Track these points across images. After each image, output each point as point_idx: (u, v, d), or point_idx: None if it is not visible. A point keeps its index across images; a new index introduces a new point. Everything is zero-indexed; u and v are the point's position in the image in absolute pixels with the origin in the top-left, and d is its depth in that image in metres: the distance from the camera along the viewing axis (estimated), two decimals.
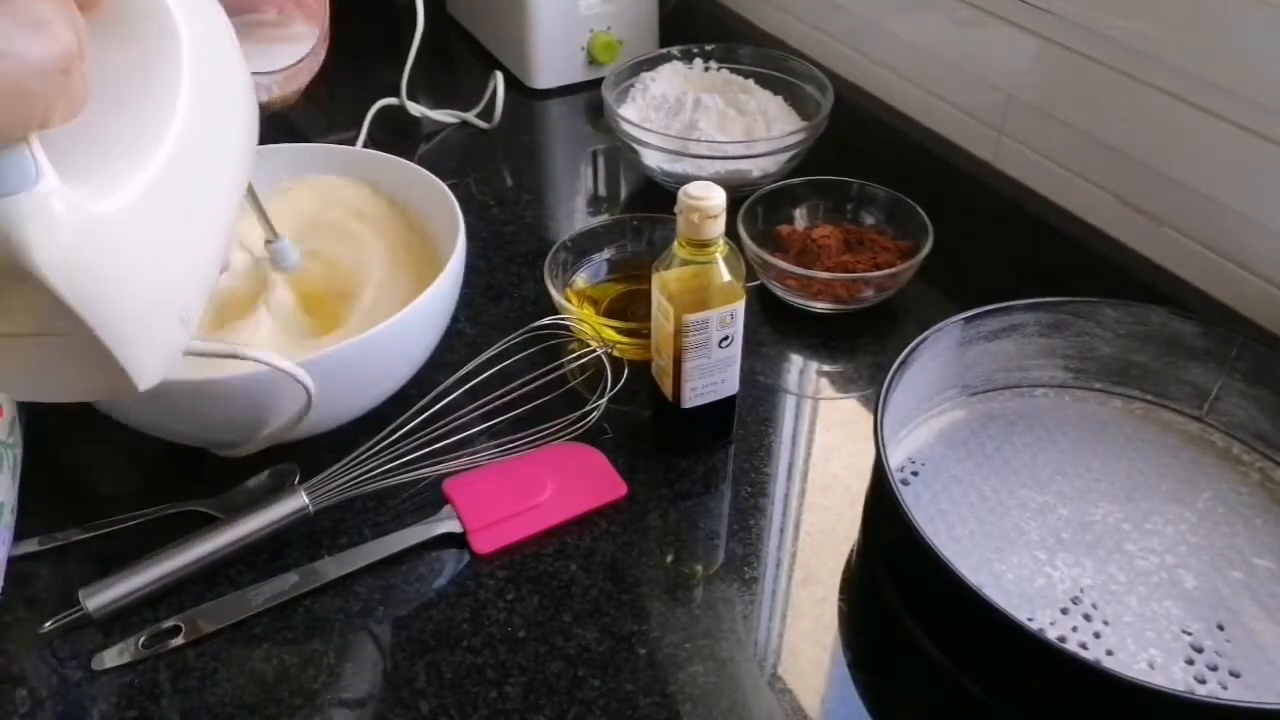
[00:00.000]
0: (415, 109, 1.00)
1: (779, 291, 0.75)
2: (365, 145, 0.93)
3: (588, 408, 0.63)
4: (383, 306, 0.64)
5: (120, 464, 0.63)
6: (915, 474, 0.58)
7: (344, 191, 0.73)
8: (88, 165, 0.38)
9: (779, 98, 0.93)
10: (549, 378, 0.65)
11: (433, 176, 0.70)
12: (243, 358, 0.52)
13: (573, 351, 0.69)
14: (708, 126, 0.87)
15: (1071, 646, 0.49)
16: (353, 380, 0.58)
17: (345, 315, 0.64)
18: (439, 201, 0.68)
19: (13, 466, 0.56)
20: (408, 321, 0.58)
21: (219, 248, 0.48)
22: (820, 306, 0.74)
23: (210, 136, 0.45)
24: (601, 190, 0.94)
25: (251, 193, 0.57)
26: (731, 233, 0.60)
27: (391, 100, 0.99)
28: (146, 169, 0.40)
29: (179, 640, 0.52)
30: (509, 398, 0.63)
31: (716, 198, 0.54)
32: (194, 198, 0.44)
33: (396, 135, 0.99)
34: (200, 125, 0.43)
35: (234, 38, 0.49)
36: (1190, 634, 0.50)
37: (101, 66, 0.38)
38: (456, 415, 0.61)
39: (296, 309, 0.64)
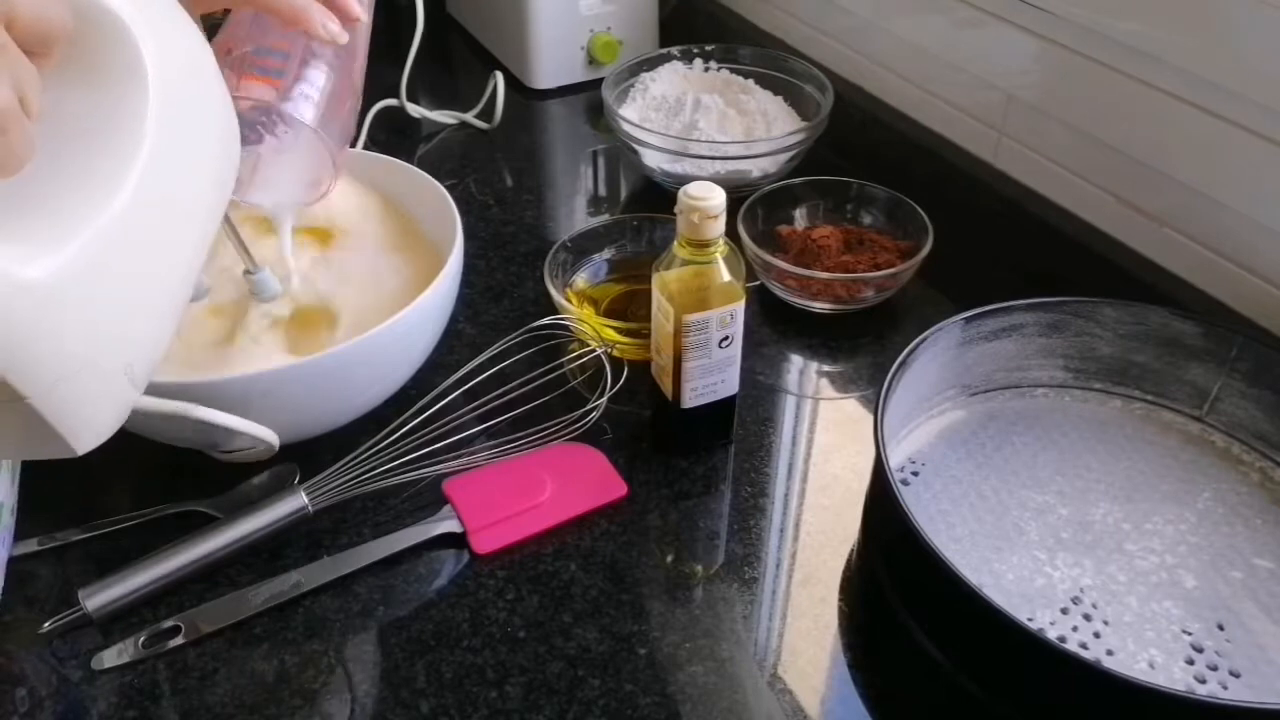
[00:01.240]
0: (415, 110, 1.00)
1: (779, 291, 0.75)
2: (365, 146, 0.93)
3: (588, 408, 0.63)
4: (381, 310, 0.63)
5: (120, 464, 0.63)
6: (915, 474, 0.58)
7: (342, 193, 0.73)
8: (27, 223, 0.36)
9: (779, 98, 0.93)
10: (549, 378, 0.65)
11: (430, 178, 0.70)
12: (194, 417, 0.50)
13: (572, 351, 0.69)
14: (708, 127, 0.87)
15: (1071, 646, 0.49)
16: (352, 381, 0.58)
17: (340, 323, 0.64)
18: (437, 202, 0.68)
19: (13, 467, 0.56)
20: (407, 322, 0.58)
21: (181, 295, 0.45)
22: (820, 306, 0.74)
23: (177, 179, 0.43)
24: (601, 190, 0.94)
25: (228, 221, 0.55)
26: (731, 233, 0.60)
27: (391, 101, 0.99)
28: (94, 226, 0.37)
29: (179, 640, 0.52)
30: (509, 398, 0.63)
31: (716, 198, 0.54)
32: (153, 248, 0.41)
33: (396, 136, 0.99)
34: (165, 173, 0.41)
35: (216, 72, 0.47)
36: (1190, 634, 0.50)
37: (56, 115, 0.36)
38: (456, 415, 0.61)
39: (286, 325, 0.63)
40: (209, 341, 0.61)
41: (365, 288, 0.66)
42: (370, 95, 0.98)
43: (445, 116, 1.01)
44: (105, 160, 0.39)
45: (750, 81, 0.95)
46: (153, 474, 0.62)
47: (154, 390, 0.53)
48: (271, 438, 0.55)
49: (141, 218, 0.40)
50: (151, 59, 0.40)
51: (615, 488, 0.60)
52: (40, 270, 0.35)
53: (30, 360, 0.36)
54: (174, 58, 0.42)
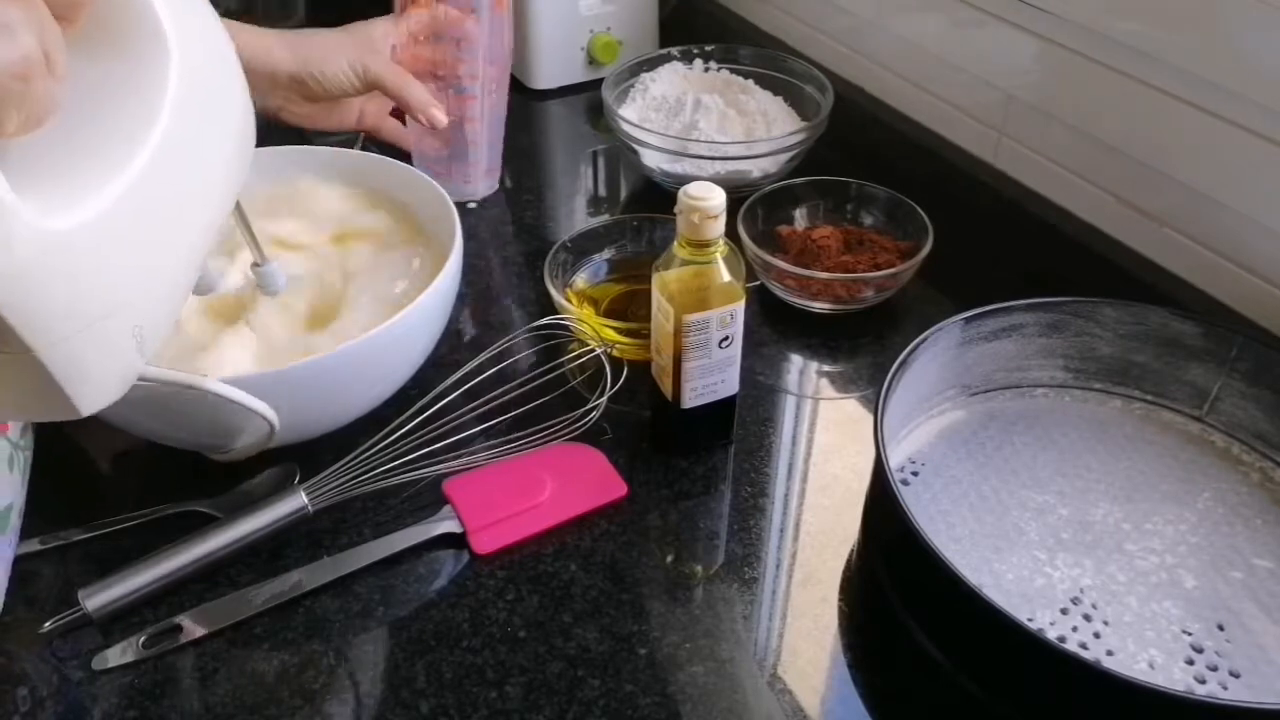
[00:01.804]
0: None
1: (779, 291, 0.75)
2: (362, 147, 0.93)
3: (587, 408, 0.63)
4: (380, 310, 0.63)
5: (120, 464, 0.63)
6: (915, 474, 0.58)
7: (340, 195, 0.73)
8: (51, 178, 0.37)
9: (779, 98, 0.93)
10: (549, 377, 0.65)
11: (429, 179, 0.70)
12: (200, 389, 0.50)
13: (572, 351, 0.69)
14: (708, 127, 0.87)
15: (1071, 646, 0.49)
16: (352, 382, 0.58)
17: (338, 324, 0.64)
18: (436, 203, 0.68)
19: (23, 469, 0.56)
20: (406, 322, 0.58)
21: (189, 271, 0.46)
22: (820, 306, 0.74)
23: (192, 157, 0.44)
24: (601, 190, 0.94)
25: (239, 212, 0.55)
26: (731, 233, 0.60)
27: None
28: (114, 185, 0.38)
29: (179, 640, 0.52)
30: (508, 397, 0.63)
31: (716, 198, 0.54)
32: (165, 219, 0.43)
33: None
34: (181, 145, 0.42)
35: (235, 59, 0.49)
36: (1190, 634, 0.50)
37: (80, 79, 0.36)
38: (456, 415, 0.61)
39: (287, 321, 0.64)
40: (206, 339, 0.61)
41: (365, 288, 0.66)
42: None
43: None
44: (124, 127, 0.40)
45: (750, 81, 0.95)
46: (153, 474, 0.62)
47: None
48: (273, 416, 0.54)
49: (158, 185, 0.41)
50: (174, 36, 0.42)
51: (615, 488, 0.60)
52: (67, 222, 0.36)
53: (43, 313, 0.36)
54: (195, 39, 0.44)
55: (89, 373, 0.40)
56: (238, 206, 0.54)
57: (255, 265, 0.61)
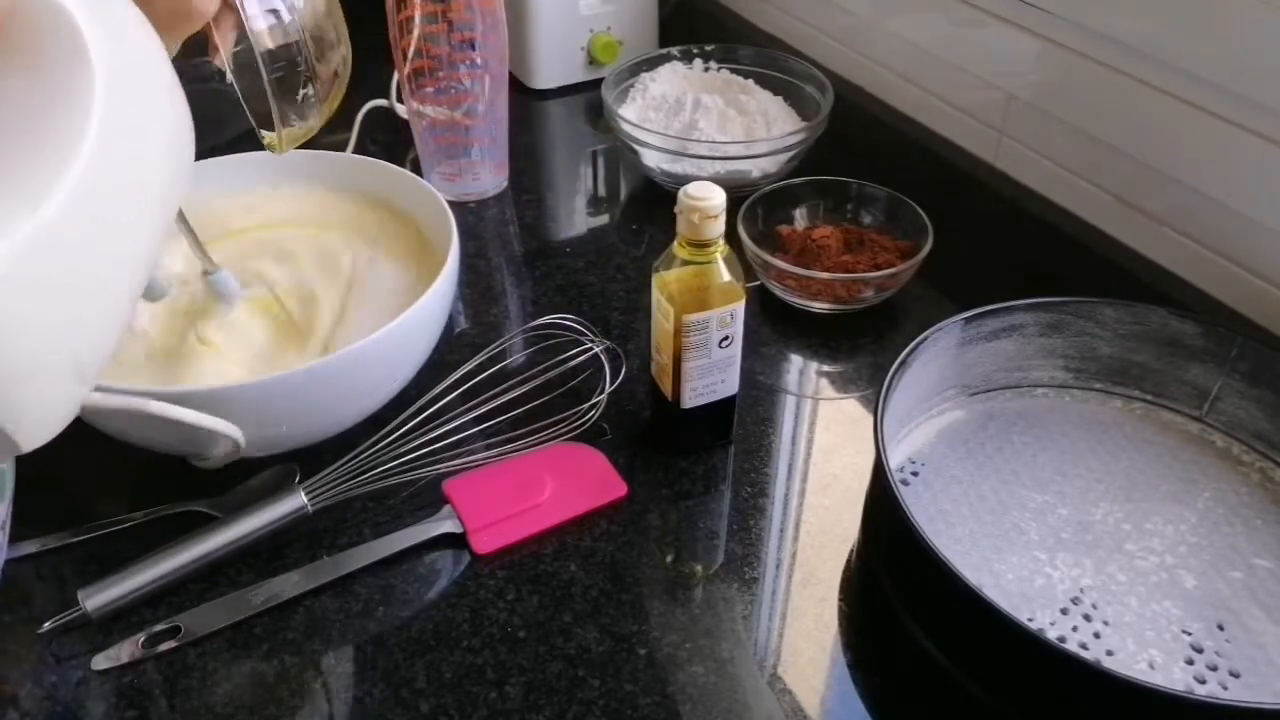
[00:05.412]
0: (404, 110, 1.00)
1: (779, 291, 0.75)
2: (357, 148, 0.93)
3: (587, 406, 0.63)
4: (379, 313, 0.63)
5: (119, 464, 0.63)
6: (915, 474, 0.58)
7: (337, 196, 0.73)
8: None
9: (779, 98, 0.93)
10: (548, 377, 0.65)
11: (424, 182, 0.70)
12: (150, 413, 0.48)
13: (571, 350, 0.69)
14: (708, 126, 0.87)
15: (1071, 646, 0.49)
16: (352, 387, 0.58)
17: (337, 329, 0.64)
18: (432, 206, 0.68)
19: (3, 484, 0.55)
20: (405, 326, 0.57)
21: (128, 291, 0.44)
22: (820, 306, 0.74)
23: (124, 174, 0.41)
24: (601, 190, 0.94)
25: (182, 219, 0.54)
26: (731, 233, 0.60)
27: (382, 101, 0.99)
28: (35, 216, 0.36)
29: (179, 640, 0.52)
30: (508, 397, 0.63)
31: (716, 198, 0.54)
32: (97, 242, 0.40)
33: (393, 135, 0.99)
34: (111, 163, 0.40)
35: (166, 65, 0.46)
36: (1190, 634, 0.50)
37: None
38: (456, 415, 0.61)
39: (285, 330, 0.63)
40: (177, 348, 0.61)
41: (364, 292, 0.66)
42: (361, 96, 0.98)
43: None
44: (48, 146, 0.38)
45: (750, 81, 0.95)
46: (152, 474, 0.62)
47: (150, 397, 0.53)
48: (233, 431, 0.53)
49: (90, 204, 0.39)
50: (98, 46, 0.39)
51: (615, 488, 0.60)
52: None
53: None
54: (123, 46, 0.42)
55: (28, 409, 0.38)
56: (180, 214, 0.52)
57: (206, 273, 0.60)
